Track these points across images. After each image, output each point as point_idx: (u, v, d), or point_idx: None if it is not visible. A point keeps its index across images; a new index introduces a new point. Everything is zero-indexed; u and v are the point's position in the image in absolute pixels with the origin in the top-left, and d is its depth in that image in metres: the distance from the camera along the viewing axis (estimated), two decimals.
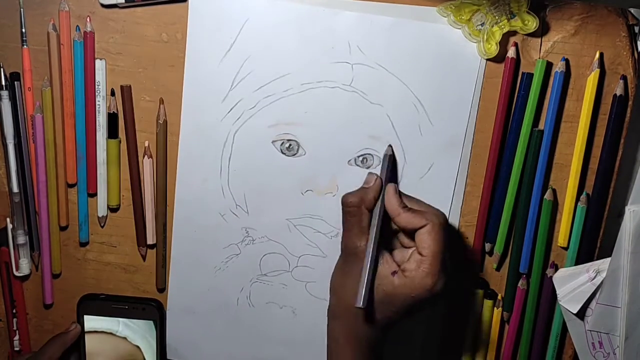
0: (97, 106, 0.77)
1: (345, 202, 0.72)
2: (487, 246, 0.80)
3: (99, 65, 0.76)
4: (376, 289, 0.69)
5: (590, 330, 0.80)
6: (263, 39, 0.75)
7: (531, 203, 0.78)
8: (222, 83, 0.76)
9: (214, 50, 0.75)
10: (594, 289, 0.78)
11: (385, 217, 0.72)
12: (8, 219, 0.80)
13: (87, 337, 0.84)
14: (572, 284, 0.79)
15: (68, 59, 0.76)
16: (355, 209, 0.71)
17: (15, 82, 0.76)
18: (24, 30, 0.75)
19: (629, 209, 0.77)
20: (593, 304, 0.79)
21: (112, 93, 0.77)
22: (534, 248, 0.80)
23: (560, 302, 0.80)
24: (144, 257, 0.83)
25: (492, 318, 0.83)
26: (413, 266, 0.68)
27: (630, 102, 0.76)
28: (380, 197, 0.72)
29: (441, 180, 0.79)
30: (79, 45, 0.75)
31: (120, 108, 0.77)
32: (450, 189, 0.79)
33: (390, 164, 0.76)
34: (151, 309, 0.83)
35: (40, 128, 0.77)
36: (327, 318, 0.73)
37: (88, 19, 0.75)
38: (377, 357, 0.72)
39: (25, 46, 0.76)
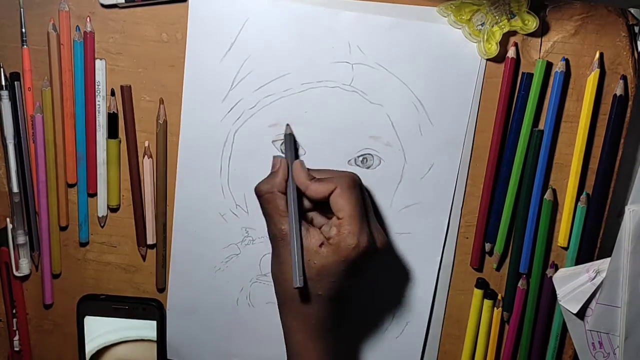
0: (97, 106, 0.77)
1: (257, 191, 0.73)
2: (487, 246, 0.80)
3: (99, 65, 0.76)
4: (308, 264, 0.69)
5: (590, 330, 0.80)
6: (263, 38, 0.75)
7: (531, 203, 0.78)
8: (222, 83, 0.76)
9: (214, 50, 0.75)
10: (594, 289, 0.78)
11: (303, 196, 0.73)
12: (8, 219, 0.80)
13: (121, 346, 0.85)
14: (572, 284, 0.79)
15: (68, 59, 0.76)
16: (269, 195, 0.71)
17: (15, 82, 0.76)
18: (24, 30, 0.75)
19: (629, 209, 0.76)
20: (593, 304, 0.79)
21: (112, 93, 0.77)
22: (534, 248, 0.80)
23: (560, 302, 0.80)
24: (144, 257, 0.82)
25: (492, 318, 0.83)
26: (334, 231, 0.69)
27: (630, 102, 0.76)
28: (290, 177, 0.72)
29: (442, 180, 0.79)
30: (79, 45, 0.75)
31: (120, 108, 0.77)
32: (450, 189, 0.79)
33: (293, 142, 0.77)
34: (151, 309, 0.83)
35: (40, 128, 0.77)
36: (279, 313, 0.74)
37: (88, 19, 0.75)
38: (333, 333, 0.73)
39: (25, 46, 0.76)
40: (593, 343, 0.81)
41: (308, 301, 0.70)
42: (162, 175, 0.79)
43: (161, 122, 0.77)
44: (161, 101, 0.77)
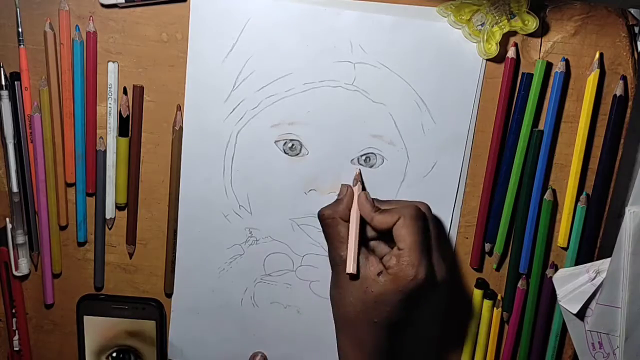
0: (108, 108, 0.77)
1: (320, 216, 0.75)
2: (487, 246, 0.81)
3: (112, 67, 0.76)
4: (366, 292, 0.70)
5: (590, 331, 0.80)
6: (265, 38, 0.75)
7: (531, 203, 0.78)
8: (225, 83, 0.76)
9: (216, 50, 0.75)
10: (594, 289, 0.79)
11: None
12: (7, 219, 0.80)
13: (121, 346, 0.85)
14: (572, 284, 0.79)
15: (67, 58, 0.76)
16: (331, 220, 0.73)
17: (16, 82, 0.76)
18: (20, 30, 0.75)
19: (629, 210, 0.77)
20: (593, 304, 0.79)
21: (125, 92, 0.77)
22: (534, 248, 0.80)
23: (560, 303, 0.80)
24: (130, 255, 0.83)
25: (491, 318, 0.83)
26: (394, 261, 0.69)
27: (630, 103, 0.76)
28: (353, 208, 0.74)
29: (444, 179, 0.79)
30: (78, 45, 0.75)
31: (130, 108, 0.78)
32: (453, 187, 0.79)
33: (360, 175, 0.78)
34: (151, 309, 0.83)
35: (38, 128, 0.77)
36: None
37: (90, 19, 0.75)
38: None
39: (22, 46, 0.75)
40: (593, 343, 0.81)
41: (364, 327, 0.71)
42: (176, 181, 0.79)
43: (177, 129, 0.77)
44: (178, 107, 0.77)
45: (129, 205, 0.80)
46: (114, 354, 0.85)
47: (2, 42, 0.76)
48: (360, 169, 0.78)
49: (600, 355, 0.81)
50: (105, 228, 0.81)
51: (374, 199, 0.75)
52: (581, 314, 0.80)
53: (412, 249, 0.69)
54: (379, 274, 0.70)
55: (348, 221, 0.73)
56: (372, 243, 0.74)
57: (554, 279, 0.80)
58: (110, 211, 0.80)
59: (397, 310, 0.70)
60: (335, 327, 0.75)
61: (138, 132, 0.78)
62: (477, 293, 0.82)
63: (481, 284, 0.82)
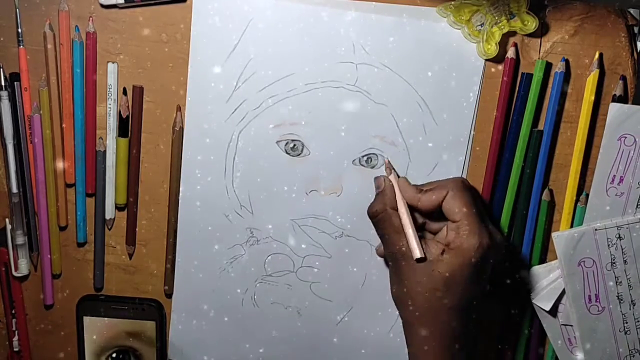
0: (108, 109, 0.77)
1: (372, 213, 0.73)
2: None
3: (111, 68, 0.76)
4: (433, 276, 0.67)
5: (565, 325, 0.80)
6: (267, 39, 0.75)
7: (530, 203, 0.78)
8: (226, 83, 0.76)
9: (217, 50, 0.75)
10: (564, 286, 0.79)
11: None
12: (7, 220, 0.80)
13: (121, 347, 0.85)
14: (545, 281, 0.80)
15: (67, 59, 0.76)
16: (383, 214, 0.72)
17: (15, 83, 0.76)
18: (20, 30, 0.75)
19: (554, 235, 0.78)
20: (564, 299, 0.80)
21: (125, 92, 0.77)
22: (533, 248, 0.80)
23: (533, 300, 0.80)
24: (130, 256, 0.83)
25: None
26: (453, 235, 0.68)
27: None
28: (397, 194, 0.73)
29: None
30: (78, 45, 0.75)
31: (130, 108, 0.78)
32: None
33: (391, 165, 0.77)
34: (151, 310, 0.83)
35: (37, 128, 0.77)
36: (404, 337, 0.72)
37: (90, 20, 0.75)
38: (465, 350, 0.70)
39: (21, 46, 0.75)
40: (569, 339, 0.81)
41: (439, 316, 0.68)
42: (176, 181, 0.79)
43: (177, 129, 0.77)
44: (178, 108, 0.77)
45: (129, 206, 0.80)
46: (114, 355, 0.85)
47: (2, 43, 0.76)
48: (389, 159, 0.77)
49: (577, 350, 0.81)
50: (105, 228, 0.81)
51: (414, 184, 0.74)
52: (554, 311, 0.80)
53: (468, 217, 0.68)
54: (442, 253, 0.68)
55: (396, 209, 0.72)
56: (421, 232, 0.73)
57: (529, 275, 0.80)
58: (110, 212, 0.80)
59: (469, 288, 0.68)
60: (405, 327, 0.71)
61: (138, 133, 0.78)
62: None
63: None
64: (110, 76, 0.76)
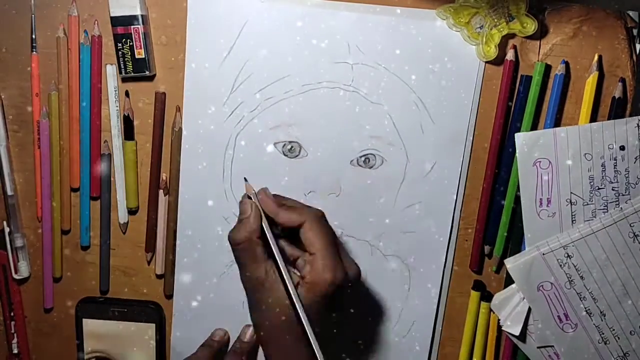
0: (116, 111, 0.78)
1: (233, 241, 0.70)
2: (486, 249, 0.80)
3: (110, 70, 0.77)
4: (286, 306, 0.68)
5: (540, 347, 0.81)
6: (262, 41, 0.75)
7: None
8: (223, 86, 0.76)
9: (213, 53, 0.76)
10: (527, 307, 0.79)
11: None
12: (5, 222, 0.80)
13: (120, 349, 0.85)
14: (508, 307, 0.80)
15: (75, 63, 0.76)
16: (246, 244, 0.69)
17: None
18: (34, 36, 0.76)
19: (506, 263, 0.79)
20: (531, 320, 0.80)
21: (127, 94, 0.77)
22: None
23: (503, 329, 0.80)
24: (149, 262, 0.82)
25: (489, 320, 0.82)
26: (308, 268, 0.68)
27: (628, 105, 0.76)
28: (263, 222, 0.70)
29: (444, 179, 0.79)
30: (86, 49, 0.76)
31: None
32: (453, 188, 0.79)
33: (254, 193, 0.74)
34: (150, 312, 0.83)
35: (46, 133, 0.77)
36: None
37: (95, 23, 0.75)
38: None
39: (34, 52, 0.76)
40: (550, 356, 0.81)
41: (292, 345, 0.69)
42: (175, 182, 0.79)
43: (176, 130, 0.78)
44: (177, 109, 0.77)
45: (140, 209, 0.81)
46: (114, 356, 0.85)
47: (11, 50, 0.77)
48: (246, 178, 0.75)
49: None
50: (110, 232, 0.81)
51: (275, 194, 0.73)
52: (523, 335, 0.80)
53: (324, 252, 0.68)
54: (296, 286, 0.68)
55: (260, 239, 0.70)
56: (281, 242, 0.73)
57: (492, 307, 0.81)
58: (123, 216, 0.80)
59: (317, 318, 0.68)
60: (263, 350, 0.73)
61: (159, 137, 0.79)
62: (474, 295, 0.82)
63: (478, 286, 0.82)
64: (116, 79, 0.77)
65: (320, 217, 0.70)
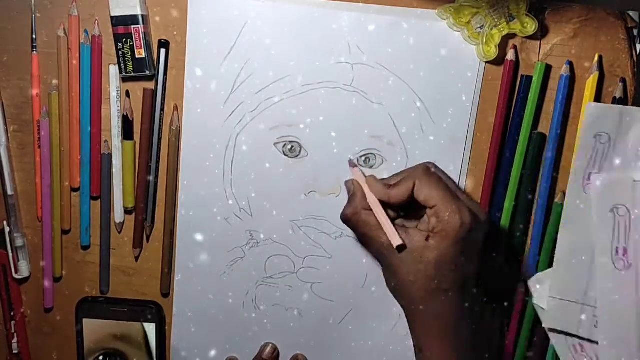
0: (117, 111, 0.78)
1: (344, 217, 0.73)
2: None
3: (113, 71, 0.77)
4: (423, 262, 0.67)
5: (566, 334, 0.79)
6: (263, 41, 0.75)
7: (538, 207, 0.78)
8: (223, 86, 0.76)
9: (214, 53, 0.76)
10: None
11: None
12: (5, 222, 0.80)
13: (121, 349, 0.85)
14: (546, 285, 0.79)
15: (75, 63, 0.76)
16: (356, 216, 0.71)
17: None
18: (34, 36, 0.76)
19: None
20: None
21: (128, 94, 0.77)
22: (541, 253, 0.80)
23: (533, 301, 0.80)
24: (136, 258, 0.82)
25: None
26: (434, 220, 0.68)
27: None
28: (367, 195, 0.72)
29: None
30: (86, 49, 0.76)
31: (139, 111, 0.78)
32: None
33: (358, 167, 0.77)
34: (150, 312, 0.83)
35: (46, 133, 0.77)
36: (409, 329, 0.72)
37: (96, 23, 0.75)
38: (462, 334, 0.70)
39: (35, 52, 0.76)
40: (574, 345, 0.80)
41: (437, 302, 0.68)
42: (173, 181, 0.79)
43: (174, 129, 0.78)
44: (175, 107, 0.77)
45: (136, 209, 0.81)
46: (101, 358, 0.84)
47: (12, 49, 0.77)
48: (352, 158, 0.77)
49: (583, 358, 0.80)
50: (110, 232, 0.81)
51: (381, 179, 0.74)
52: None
53: (444, 200, 0.67)
54: (427, 239, 0.68)
55: (369, 209, 0.71)
56: (398, 221, 0.72)
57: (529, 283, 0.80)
58: (119, 215, 0.80)
59: (460, 268, 0.68)
60: (408, 319, 0.71)
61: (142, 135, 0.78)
62: None
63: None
64: (117, 79, 0.77)
65: (426, 170, 0.70)
